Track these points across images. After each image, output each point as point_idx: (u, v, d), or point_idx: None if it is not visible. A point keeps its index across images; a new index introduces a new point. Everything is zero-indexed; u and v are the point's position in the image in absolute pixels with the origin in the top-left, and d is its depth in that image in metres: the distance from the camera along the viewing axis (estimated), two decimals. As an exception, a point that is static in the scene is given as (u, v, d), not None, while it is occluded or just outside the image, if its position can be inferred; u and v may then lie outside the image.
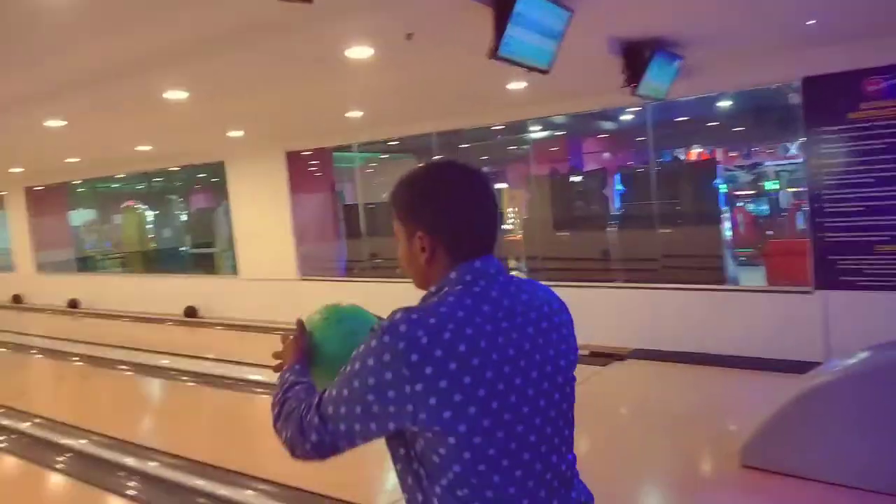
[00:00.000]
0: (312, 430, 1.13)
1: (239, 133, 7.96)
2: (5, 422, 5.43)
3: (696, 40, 4.53)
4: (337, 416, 1.10)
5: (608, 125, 10.78)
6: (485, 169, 11.40)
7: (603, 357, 6.32)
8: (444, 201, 1.17)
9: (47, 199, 13.83)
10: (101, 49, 3.89)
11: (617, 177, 9.37)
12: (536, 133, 9.59)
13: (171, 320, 10.44)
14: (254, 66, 4.53)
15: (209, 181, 13.86)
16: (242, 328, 9.28)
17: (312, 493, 3.56)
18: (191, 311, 10.52)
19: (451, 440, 1.04)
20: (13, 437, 5.12)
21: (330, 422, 1.11)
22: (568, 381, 1.20)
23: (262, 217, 9.78)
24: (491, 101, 6.55)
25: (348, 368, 1.10)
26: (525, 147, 9.54)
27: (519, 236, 9.41)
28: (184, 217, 16.17)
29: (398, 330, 1.05)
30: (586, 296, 6.95)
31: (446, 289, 1.14)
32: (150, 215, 15.85)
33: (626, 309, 6.67)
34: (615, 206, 9.04)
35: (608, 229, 8.59)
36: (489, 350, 1.06)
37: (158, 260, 15.08)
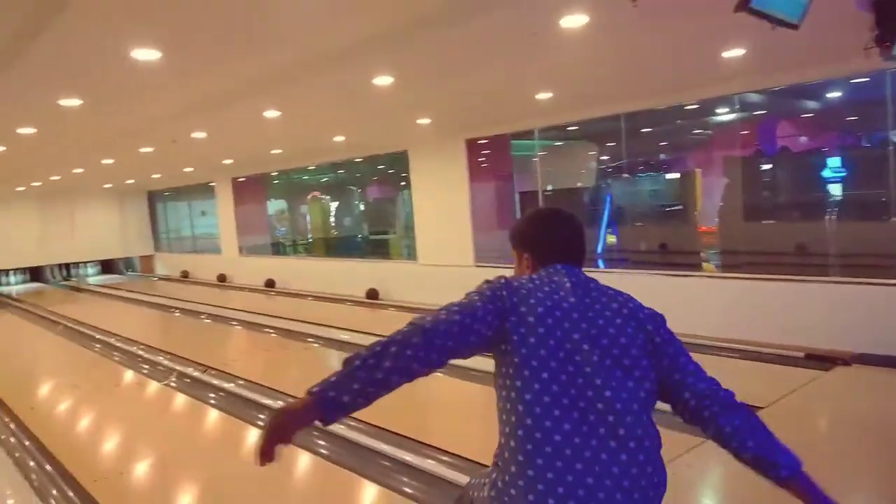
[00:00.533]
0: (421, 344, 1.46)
1: (426, 121, 8.16)
2: (215, 382, 6.19)
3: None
4: (449, 320, 1.49)
5: (810, 104, 9.56)
6: (664, 155, 10.86)
7: (821, 360, 5.60)
8: (537, 235, 1.79)
9: (249, 190, 15.42)
10: (319, 37, 4.09)
11: (831, 160, 8.26)
12: (724, 116, 8.80)
13: (354, 301, 11.11)
14: (463, 46, 4.53)
15: (385, 173, 14.54)
16: (419, 310, 9.58)
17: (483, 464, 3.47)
18: (372, 293, 11.10)
19: (522, 352, 1.46)
20: (221, 394, 5.88)
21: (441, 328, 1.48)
22: (628, 355, 1.49)
23: (441, 205, 10.03)
24: (697, 74, 6.03)
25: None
26: (710, 131, 8.79)
27: (712, 227, 8.67)
28: (362, 207, 17.17)
29: (495, 278, 1.64)
30: (798, 291, 6.21)
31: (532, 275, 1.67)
32: (332, 206, 17.15)
33: (850, 308, 5.83)
34: (831, 192, 7.99)
35: (824, 218, 7.62)
36: (551, 309, 1.51)
37: (339, 246, 16.21)
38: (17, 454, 4.58)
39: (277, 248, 16.36)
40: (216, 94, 5.52)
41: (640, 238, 9.18)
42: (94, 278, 18.21)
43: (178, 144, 8.74)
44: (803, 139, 10.57)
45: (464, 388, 5.12)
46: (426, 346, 1.43)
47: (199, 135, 8.11)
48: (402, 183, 14.31)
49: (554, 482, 1.35)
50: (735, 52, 5.01)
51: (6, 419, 5.37)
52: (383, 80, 5.37)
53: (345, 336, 7.97)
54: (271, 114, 6.75)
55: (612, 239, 9.77)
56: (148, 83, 4.95)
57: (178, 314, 11.46)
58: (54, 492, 3.92)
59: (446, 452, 3.99)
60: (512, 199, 10.47)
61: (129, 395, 6.33)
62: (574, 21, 3.94)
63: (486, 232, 9.85)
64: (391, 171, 14.11)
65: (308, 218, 17.81)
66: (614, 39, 4.51)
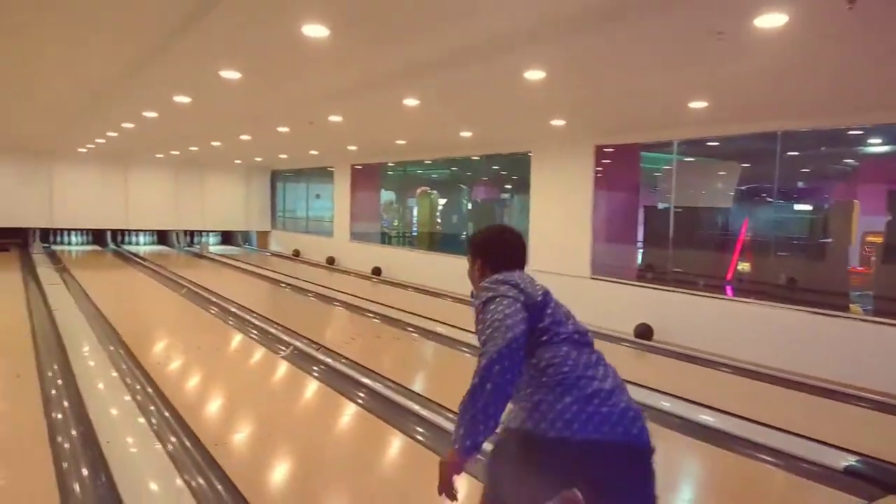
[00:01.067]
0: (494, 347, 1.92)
1: (560, 122, 7.89)
2: (322, 357, 6.40)
3: None
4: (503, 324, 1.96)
5: None
6: (803, 184, 9.94)
7: None
8: (491, 245, 2.34)
9: (364, 178, 15.77)
10: (492, 18, 3.94)
11: None
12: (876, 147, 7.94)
13: (456, 297, 11.02)
14: (631, 44, 4.26)
15: (497, 174, 14.37)
16: None
17: None
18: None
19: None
20: (324, 368, 6.11)
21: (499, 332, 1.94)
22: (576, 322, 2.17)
23: (560, 211, 9.73)
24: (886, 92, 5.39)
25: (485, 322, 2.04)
26: (864, 161, 7.94)
27: (864, 269, 7.82)
28: (469, 206, 17.13)
29: (488, 282, 2.18)
30: None
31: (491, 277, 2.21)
32: (440, 202, 17.25)
33: None
34: None
35: None
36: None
37: (443, 242, 16.24)
38: (148, 407, 4.79)
39: (383, 238, 16.65)
40: (369, 77, 5.55)
41: (779, 270, 8.47)
42: (214, 247, 19.33)
43: (314, 126, 8.98)
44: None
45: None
46: (512, 360, 1.91)
47: (336, 118, 8.29)
48: (508, 186, 14.16)
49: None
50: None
51: (137, 372, 5.69)
52: (534, 75, 5.18)
53: (441, 329, 7.93)
54: (410, 102, 6.75)
55: (744, 266, 9.07)
56: (310, 61, 5.04)
57: (287, 289, 11.89)
58: (172, 439, 4.12)
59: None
60: (636, 212, 10.00)
61: (240, 358, 6.58)
62: (771, 21, 3.57)
63: (606, 244, 9.46)
64: (503, 172, 13.96)
65: (415, 211, 18.03)
66: (813, 45, 4.06)
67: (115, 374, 5.61)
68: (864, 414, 5.40)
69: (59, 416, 4.49)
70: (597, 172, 9.23)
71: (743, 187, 10.28)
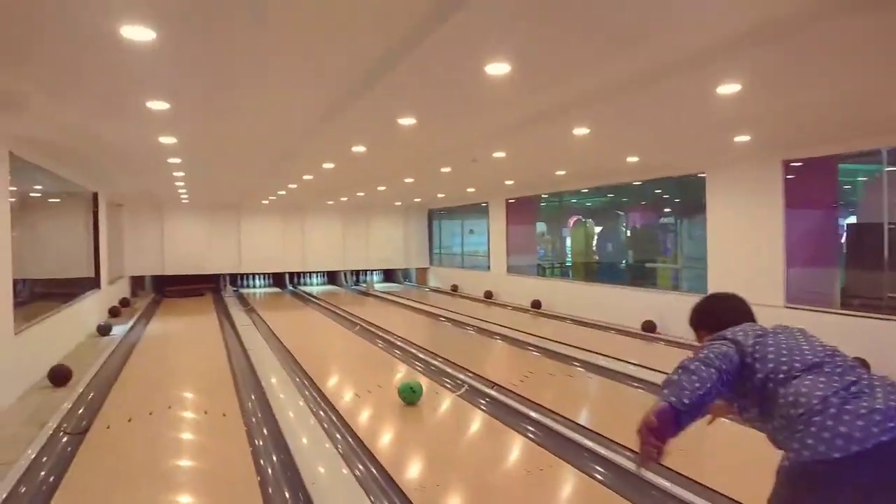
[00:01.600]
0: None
1: (744, 138, 7.25)
2: (484, 388, 6.50)
3: None
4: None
5: None
6: None
7: None
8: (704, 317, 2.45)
9: (518, 210, 15.72)
10: (686, 34, 3.66)
11: None
12: None
13: (626, 331, 10.48)
14: (850, 41, 3.74)
15: (659, 197, 13.58)
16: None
17: None
18: (649, 325, 10.34)
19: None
20: (487, 400, 6.19)
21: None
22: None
23: (743, 233, 8.90)
24: None
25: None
26: None
27: None
28: (628, 233, 16.38)
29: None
30: None
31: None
32: (599, 229, 16.66)
33: None
34: None
35: None
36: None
37: (601, 272, 15.62)
38: (334, 435, 4.95)
39: (543, 270, 16.40)
40: (543, 109, 5.46)
41: None
42: (378, 285, 20.31)
43: (476, 164, 9.08)
44: None
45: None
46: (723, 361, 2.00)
47: (500, 154, 8.31)
48: (668, 209, 13.29)
49: None
50: None
51: (322, 403, 5.97)
52: (728, 89, 4.76)
53: (616, 366, 7.57)
54: (580, 131, 6.56)
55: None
56: (487, 99, 5.07)
57: (446, 323, 12.06)
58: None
59: None
60: (835, 231, 8.87)
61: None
62: None
63: (798, 268, 8.47)
64: (665, 195, 13.17)
65: (568, 241, 17.61)
66: None
67: (301, 403, 6.03)
68: None
69: (260, 442, 4.91)
70: (794, 188, 8.37)
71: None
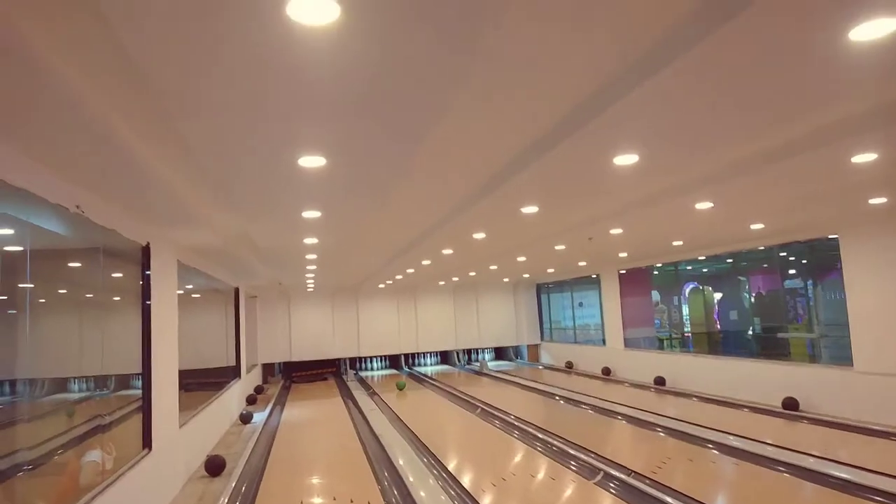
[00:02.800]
0: None
1: (880, 200, 6.92)
2: (614, 472, 6.36)
3: None
4: None
5: None
6: None
7: None
8: None
9: (632, 282, 15.43)
10: (793, 125, 3.71)
11: None
12: None
13: (763, 409, 9.84)
14: None
15: (784, 260, 12.88)
16: (854, 428, 8.13)
17: None
18: (790, 403, 9.64)
19: None
20: (617, 483, 6.10)
21: None
22: None
23: (887, 298, 8.29)
24: None
25: None
26: None
27: None
28: (751, 299, 15.52)
29: None
30: None
31: None
32: (716, 296, 15.92)
33: None
34: None
35: None
36: None
37: (724, 342, 14.79)
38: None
39: (661, 342, 15.80)
40: (663, 189, 5.57)
41: None
42: (490, 363, 20.32)
43: (592, 242, 9.18)
44: None
45: None
46: None
47: (616, 231, 8.39)
48: (792, 271, 12.52)
49: None
50: None
51: (454, 486, 6.02)
52: (864, 158, 4.68)
53: (756, 448, 7.13)
54: (703, 205, 6.55)
55: None
56: (609, 186, 5.26)
57: (563, 402, 11.83)
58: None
59: None
60: None
61: (538, 477, 6.52)
62: None
63: None
64: (790, 258, 12.47)
65: (686, 310, 16.90)
66: None
67: (432, 482, 6.23)
68: None
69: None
70: None
71: None
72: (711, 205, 6.51)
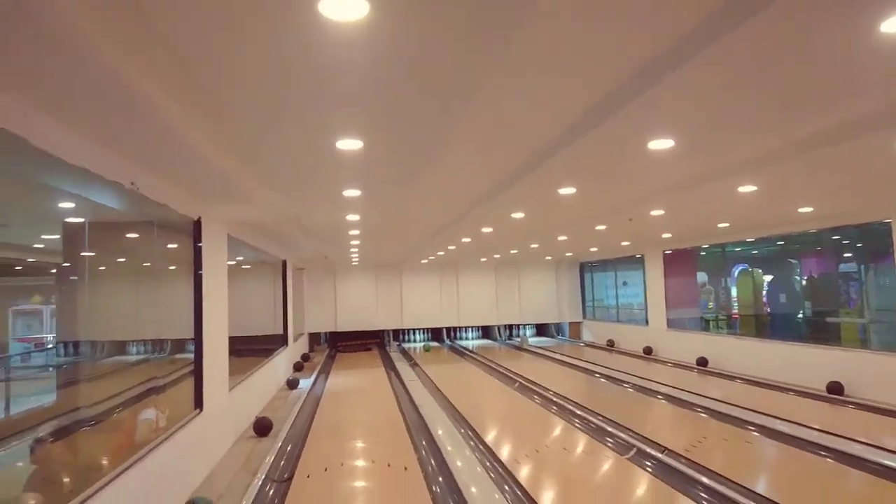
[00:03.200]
0: None
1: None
2: (652, 452, 6.41)
3: None
4: None
5: None
6: None
7: None
8: None
9: (677, 262, 15.20)
10: (834, 111, 3.63)
11: None
12: None
13: (807, 392, 9.67)
14: None
15: (838, 243, 12.43)
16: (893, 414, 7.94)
17: None
18: (835, 387, 9.44)
19: None
20: (655, 463, 6.19)
21: None
22: None
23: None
24: None
25: None
26: None
27: None
28: (802, 282, 15.08)
29: None
30: None
31: None
32: (767, 279, 15.53)
33: None
34: None
35: None
36: None
37: (773, 326, 14.46)
38: (503, 487, 5.17)
39: (707, 323, 15.57)
40: (704, 172, 5.51)
41: None
42: (531, 339, 20.44)
43: (633, 222, 9.12)
44: None
45: None
46: None
47: (657, 212, 8.31)
48: (848, 255, 12.07)
49: None
50: None
51: (487, 455, 6.22)
52: (914, 143, 4.53)
53: (795, 431, 7.08)
54: (746, 189, 6.44)
55: None
56: (647, 168, 5.25)
57: (603, 380, 11.88)
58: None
59: None
60: None
61: (576, 452, 6.64)
62: None
63: None
64: (845, 241, 12.01)
65: (734, 292, 16.55)
66: None
67: (468, 453, 6.43)
68: None
69: (437, 490, 5.20)
70: None
71: None
72: (755, 188, 6.39)
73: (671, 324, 15.15)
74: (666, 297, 15.27)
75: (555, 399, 9.64)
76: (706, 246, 14.58)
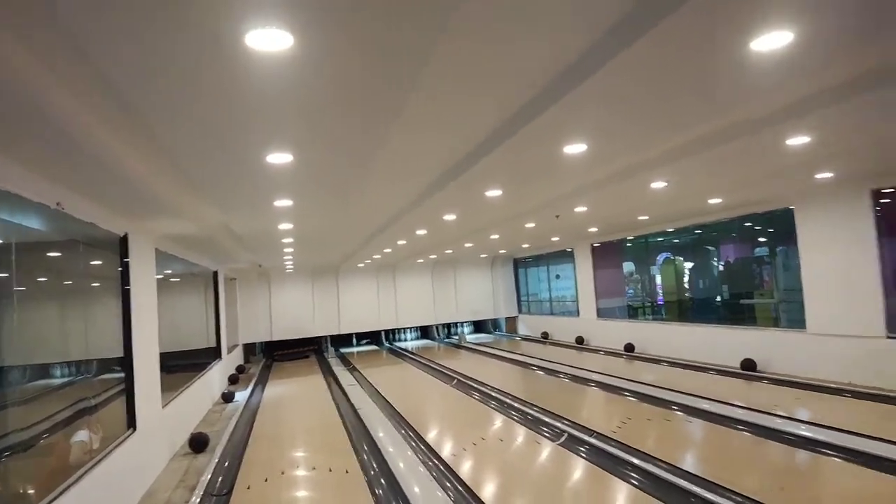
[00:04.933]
0: None
1: (827, 175, 7.32)
2: (581, 436, 6.74)
3: None
4: None
5: None
6: None
7: None
8: None
9: (604, 254, 15.88)
10: (764, 100, 4.03)
11: None
12: None
13: (724, 371, 10.37)
14: None
15: (749, 230, 13.32)
16: (808, 386, 8.64)
17: None
18: (749, 364, 10.17)
19: None
20: (587, 447, 6.48)
21: None
22: None
23: (838, 265, 8.76)
24: None
25: None
26: None
27: None
28: (720, 268, 15.99)
29: None
30: None
31: None
32: (686, 266, 16.41)
33: None
34: None
35: None
36: None
37: (695, 310, 15.29)
38: (445, 485, 5.37)
39: (633, 312, 16.30)
40: (621, 170, 5.89)
41: None
42: (469, 336, 20.79)
43: (560, 219, 9.52)
44: None
45: None
46: None
47: (581, 209, 8.73)
48: (763, 239, 12.97)
49: None
50: None
51: (429, 454, 6.41)
52: (798, 140, 5.02)
53: (715, 408, 7.61)
54: (658, 184, 6.89)
55: None
56: (566, 170, 5.56)
57: (539, 372, 12.30)
58: None
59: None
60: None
61: (515, 444, 6.94)
62: None
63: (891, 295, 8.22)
64: (757, 227, 12.91)
65: (659, 280, 17.42)
66: None
67: (410, 453, 6.59)
68: None
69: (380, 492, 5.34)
70: (882, 216, 8.24)
71: None
72: (666, 183, 6.85)
73: (601, 313, 15.79)
74: (596, 288, 15.91)
75: (493, 394, 9.92)
76: (631, 238, 15.28)
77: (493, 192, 6.45)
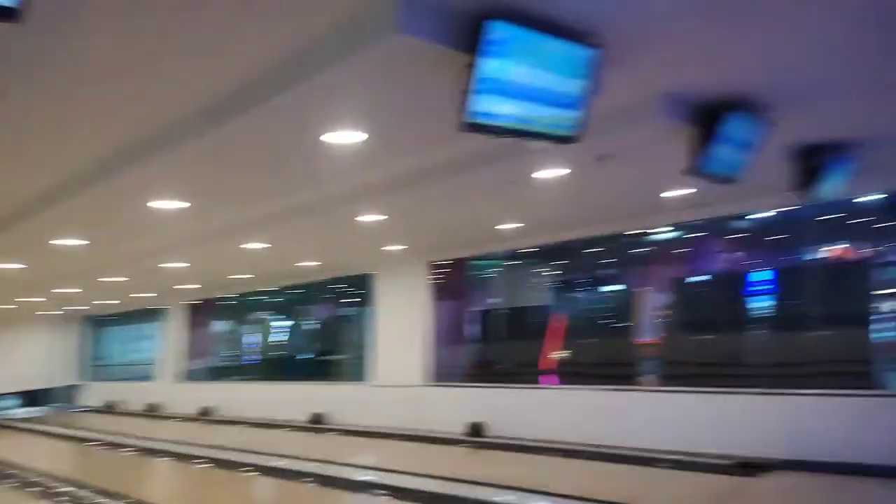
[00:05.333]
0: None
1: (398, 247, 8.66)
2: None
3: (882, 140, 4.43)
4: None
5: (739, 224, 10.08)
6: (612, 271, 11.22)
7: (749, 468, 5.92)
8: None
9: (198, 313, 15.16)
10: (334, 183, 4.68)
11: (757, 276, 8.95)
12: (663, 235, 9.52)
13: (296, 426, 10.79)
14: (458, 189, 5.16)
15: (341, 292, 14.39)
16: (365, 434, 9.56)
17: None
18: (316, 418, 10.76)
19: None
20: None
21: None
22: None
23: (401, 324, 10.13)
24: (646, 207, 6.83)
25: None
26: (653, 249, 9.52)
27: (654, 340, 9.25)
28: (316, 327, 16.69)
29: None
30: (728, 403, 6.75)
31: None
32: (283, 325, 16.72)
33: (776, 416, 6.39)
34: (759, 307, 8.67)
35: (749, 332, 8.28)
36: None
37: (284, 368, 15.55)
38: None
39: (219, 372, 15.75)
40: (211, 230, 5.96)
41: (587, 353, 9.58)
42: (17, 411, 16.91)
43: (149, 272, 8.89)
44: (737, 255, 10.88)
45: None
46: None
47: (180, 265, 8.35)
48: (357, 299, 14.06)
49: None
50: (676, 193, 5.84)
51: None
52: (368, 218, 5.99)
53: (282, 463, 7.67)
54: (253, 246, 7.16)
55: (560, 354, 9.94)
56: (150, 224, 5.38)
57: (100, 447, 10.81)
58: None
59: None
60: (462, 317, 10.59)
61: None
62: (551, 174, 4.67)
63: (440, 349, 9.86)
64: (348, 289, 13.99)
65: (248, 339, 17.31)
66: (581, 186, 5.29)
67: None
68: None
69: None
70: (438, 283, 9.92)
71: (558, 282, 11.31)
72: (260, 245, 7.16)
73: (187, 375, 14.89)
74: (185, 350, 14.98)
75: (35, 479, 8.00)
76: (225, 295, 14.88)
77: (73, 242, 5.73)
